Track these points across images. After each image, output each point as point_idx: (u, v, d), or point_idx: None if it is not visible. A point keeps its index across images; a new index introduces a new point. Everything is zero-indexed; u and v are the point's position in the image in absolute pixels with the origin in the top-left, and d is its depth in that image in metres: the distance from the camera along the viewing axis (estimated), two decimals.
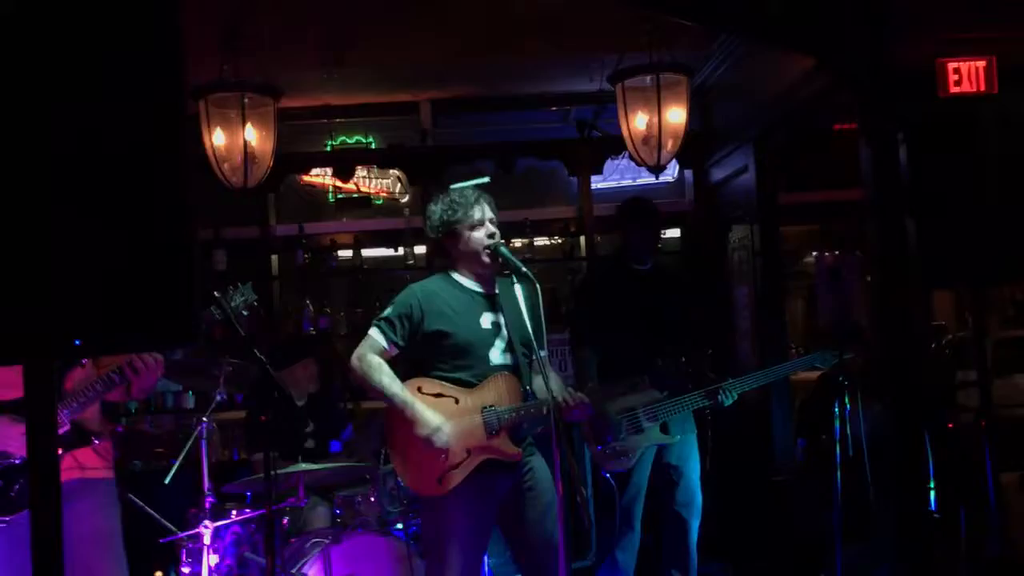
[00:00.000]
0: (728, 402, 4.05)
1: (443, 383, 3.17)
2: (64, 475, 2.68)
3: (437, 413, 3.10)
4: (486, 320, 3.24)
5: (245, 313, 3.14)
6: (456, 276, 3.32)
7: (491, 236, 3.21)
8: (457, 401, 3.16)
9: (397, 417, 3.16)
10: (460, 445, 3.11)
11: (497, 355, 3.22)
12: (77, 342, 1.44)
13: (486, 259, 3.22)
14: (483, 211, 3.23)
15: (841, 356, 4.08)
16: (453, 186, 3.40)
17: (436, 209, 3.28)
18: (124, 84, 1.50)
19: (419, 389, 3.17)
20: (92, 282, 1.46)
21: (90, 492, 2.83)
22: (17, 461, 2.67)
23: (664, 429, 4.09)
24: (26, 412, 1.48)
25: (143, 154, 1.51)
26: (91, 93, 1.47)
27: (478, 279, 3.30)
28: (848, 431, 4.13)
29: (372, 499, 4.21)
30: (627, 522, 4.16)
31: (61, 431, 2.72)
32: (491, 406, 3.15)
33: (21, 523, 2.65)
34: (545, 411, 3.07)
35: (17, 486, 2.65)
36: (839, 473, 4.02)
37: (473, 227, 3.21)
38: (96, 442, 2.85)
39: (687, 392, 4.07)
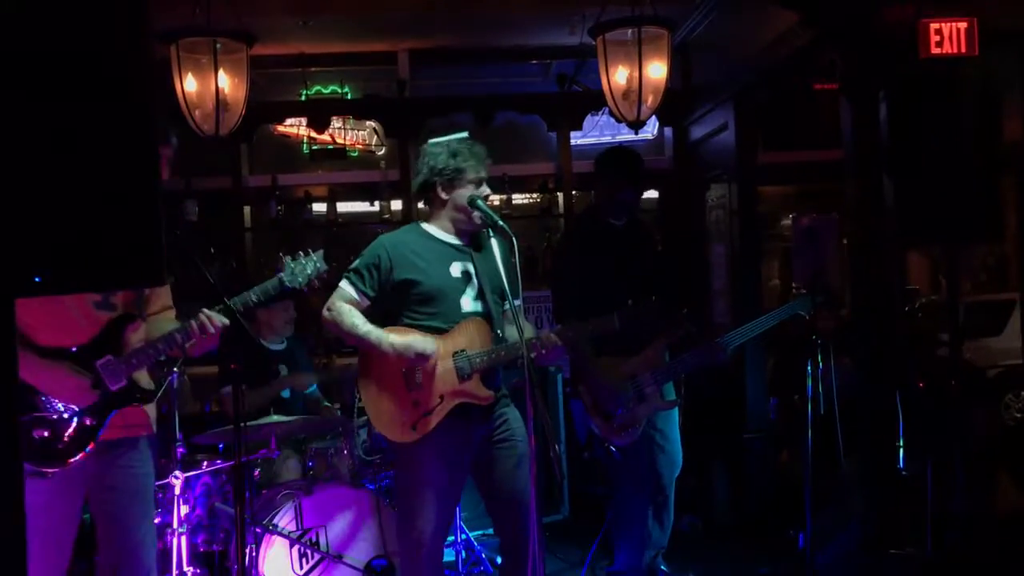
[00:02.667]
0: (725, 357, 3.98)
1: (415, 331, 3.17)
2: (111, 432, 2.70)
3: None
4: (456, 269, 3.24)
5: (314, 285, 3.02)
6: (427, 227, 3.32)
7: (484, 198, 3.20)
8: None
9: (371, 364, 3.17)
10: (433, 390, 3.12)
11: (468, 302, 3.22)
12: (37, 279, 1.38)
13: (467, 214, 3.20)
14: (486, 170, 3.24)
15: (814, 302, 4.00)
16: (432, 140, 3.31)
17: (438, 153, 3.23)
18: (86, 19, 1.44)
19: None
20: (53, 220, 1.42)
21: (131, 448, 2.81)
22: (66, 415, 2.65)
23: (661, 394, 3.97)
24: None
25: (106, 94, 1.45)
26: (51, 26, 1.41)
27: (454, 231, 3.28)
28: (820, 390, 4.15)
29: (344, 452, 4.21)
30: (642, 485, 4.01)
31: (116, 387, 2.71)
32: (462, 351, 3.15)
33: (63, 475, 2.64)
34: (517, 354, 3.07)
35: (66, 438, 2.63)
36: (810, 432, 4.05)
37: (472, 183, 3.21)
38: (148, 401, 2.83)
39: (658, 332, 3.90)
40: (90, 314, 2.72)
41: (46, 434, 2.61)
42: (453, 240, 3.28)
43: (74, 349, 2.69)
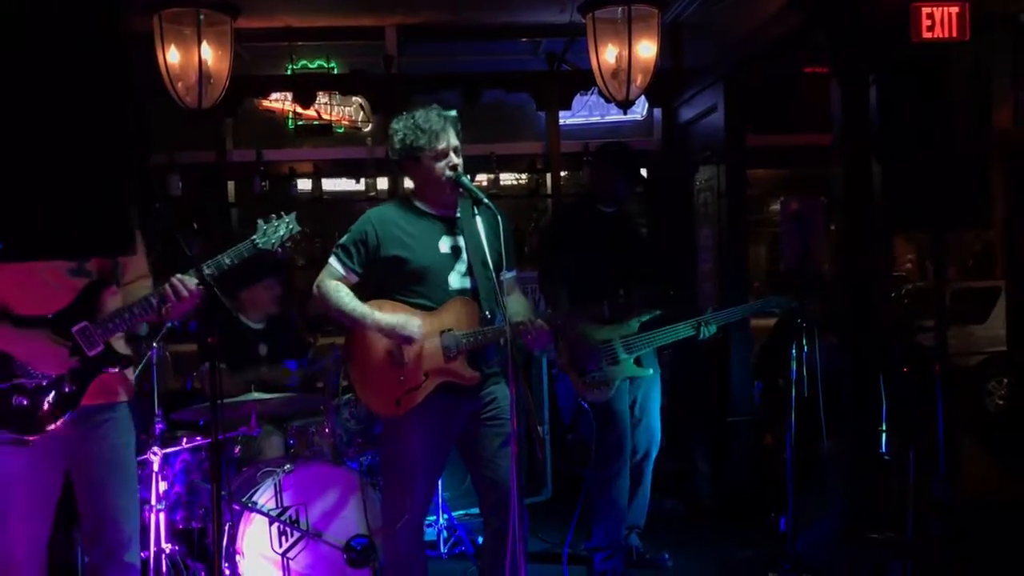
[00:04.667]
0: (707, 335, 4.08)
1: (403, 306, 3.16)
2: (90, 398, 2.68)
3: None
4: (444, 245, 3.21)
5: (285, 247, 2.98)
6: (415, 202, 3.28)
7: (453, 168, 3.13)
8: None
9: (357, 339, 3.17)
10: (419, 368, 3.12)
11: (456, 279, 3.20)
12: (0, 245, 1.36)
13: (448, 189, 3.16)
14: (448, 139, 3.13)
15: (801, 304, 4.09)
16: (419, 110, 3.24)
17: (399, 130, 3.18)
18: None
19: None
20: (19, 189, 1.40)
21: (110, 415, 2.80)
22: (44, 382, 2.64)
23: (637, 363, 4.11)
24: None
25: (77, 67, 1.43)
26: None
27: (438, 205, 3.24)
28: (804, 374, 4.15)
29: (327, 430, 4.17)
30: (620, 454, 4.13)
31: (93, 352, 2.69)
32: (450, 329, 3.14)
33: (44, 443, 2.64)
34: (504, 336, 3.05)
35: (45, 406, 2.63)
36: (793, 415, 4.05)
37: (436, 156, 3.12)
38: (126, 366, 2.82)
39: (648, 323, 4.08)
40: (64, 282, 2.70)
41: (25, 402, 2.61)
42: (438, 213, 3.24)
43: (50, 316, 2.66)
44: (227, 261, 2.84)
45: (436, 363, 3.13)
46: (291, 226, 2.98)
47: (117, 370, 2.79)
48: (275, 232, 2.94)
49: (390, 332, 3.09)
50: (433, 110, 3.19)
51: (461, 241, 3.20)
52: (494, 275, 3.03)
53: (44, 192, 1.43)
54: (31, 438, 2.61)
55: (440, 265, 3.17)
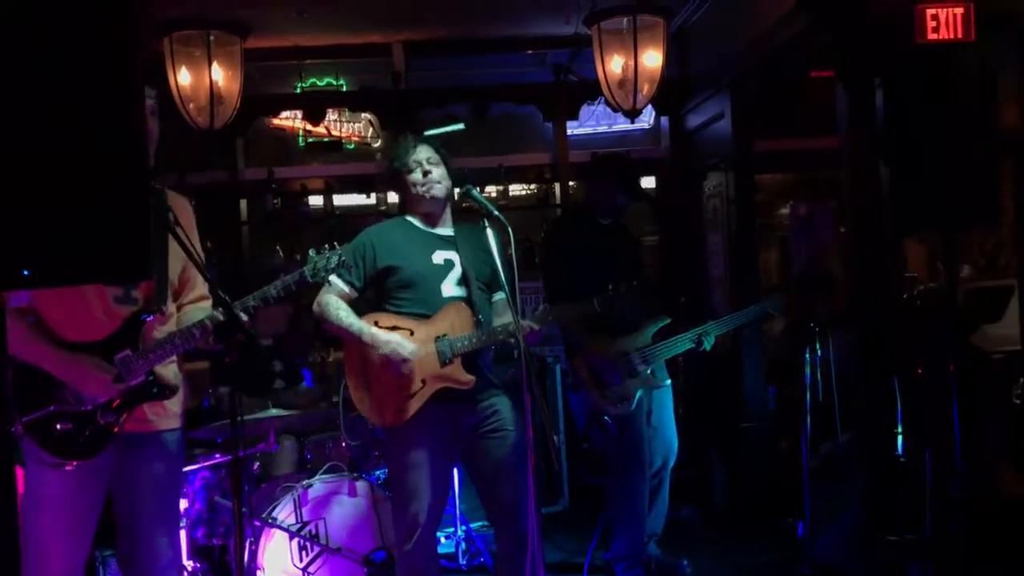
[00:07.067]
0: (708, 346, 4.14)
1: (398, 316, 3.25)
2: (134, 426, 2.70)
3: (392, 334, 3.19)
4: (438, 256, 3.32)
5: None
6: (410, 218, 3.43)
7: (425, 175, 3.31)
8: (412, 333, 3.22)
9: (355, 351, 3.25)
10: (415, 375, 3.17)
11: (450, 288, 3.29)
12: (25, 272, 1.39)
13: (427, 204, 3.33)
14: (417, 154, 3.34)
15: (810, 301, 4.11)
16: (426, 132, 3.37)
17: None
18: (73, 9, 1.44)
19: (376, 324, 3.24)
20: (40, 214, 1.42)
21: (152, 444, 2.80)
22: (88, 407, 2.63)
23: (652, 374, 4.13)
24: None
25: (95, 93, 1.46)
26: (43, 24, 1.42)
27: (428, 220, 3.38)
28: (818, 377, 4.15)
29: (343, 444, 4.21)
30: (639, 464, 4.15)
31: (134, 381, 2.68)
32: (444, 335, 3.20)
33: (86, 468, 2.64)
34: (500, 338, 3.18)
35: (88, 432, 2.63)
36: (808, 419, 4.05)
37: (411, 171, 3.34)
38: (168, 396, 2.79)
39: (643, 313, 4.10)
40: (110, 309, 2.70)
41: (69, 427, 2.61)
42: (435, 231, 3.37)
43: (96, 343, 2.67)
44: (273, 292, 2.80)
45: (432, 369, 3.19)
46: (343, 258, 2.94)
47: (164, 399, 2.77)
48: (325, 265, 2.88)
49: (384, 349, 3.15)
50: (409, 137, 3.43)
51: (455, 255, 3.31)
52: (506, 290, 3.05)
53: (63, 217, 1.45)
54: (71, 463, 2.62)
55: (432, 274, 3.27)
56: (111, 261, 1.44)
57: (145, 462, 2.78)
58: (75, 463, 2.62)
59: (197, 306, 2.92)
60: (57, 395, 2.61)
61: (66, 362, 2.62)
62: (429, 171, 3.33)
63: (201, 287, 2.96)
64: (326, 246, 2.95)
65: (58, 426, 2.60)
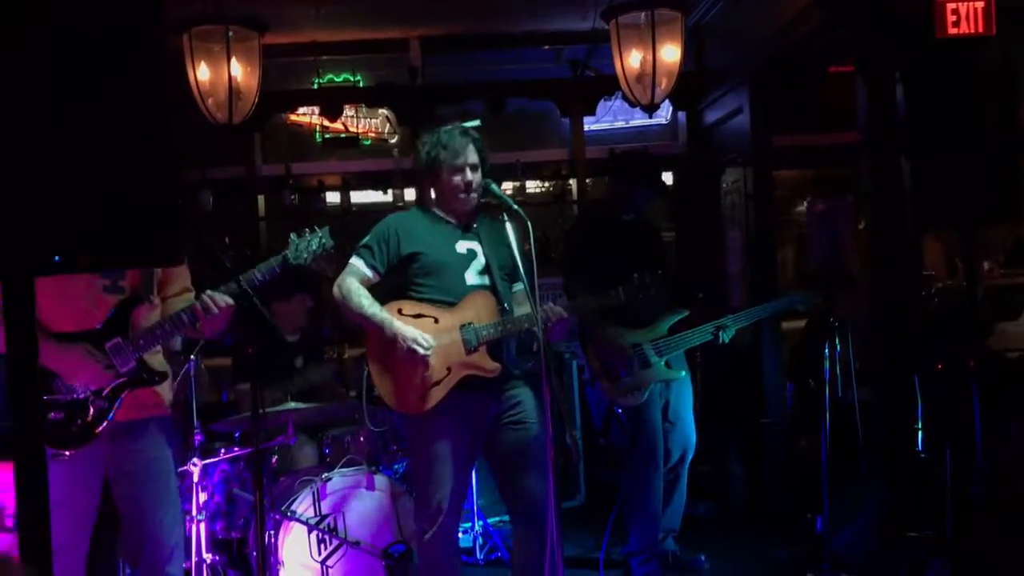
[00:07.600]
0: (726, 338, 4.09)
1: (423, 304, 3.23)
2: (125, 413, 2.71)
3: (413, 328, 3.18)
4: (461, 246, 3.31)
5: (318, 261, 3.03)
6: (434, 209, 3.41)
7: (467, 184, 3.26)
8: (436, 320, 3.21)
9: (377, 339, 3.22)
10: (440, 362, 3.17)
11: (472, 276, 3.28)
12: (56, 259, 1.39)
13: (462, 202, 3.29)
14: (466, 157, 3.28)
15: (826, 301, 4.09)
16: (445, 127, 3.36)
17: (425, 144, 3.35)
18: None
19: (400, 311, 3.22)
20: (70, 200, 1.43)
21: (146, 430, 2.83)
22: (81, 396, 2.67)
23: (668, 366, 4.10)
24: (6, 330, 1.43)
25: (122, 76, 1.46)
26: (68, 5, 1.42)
27: (455, 215, 3.36)
28: (838, 373, 4.13)
29: (361, 439, 4.22)
30: (654, 458, 4.13)
31: (125, 368, 2.72)
32: (469, 323, 3.20)
33: (81, 456, 2.67)
34: (525, 327, 3.17)
35: (80, 420, 2.66)
36: (827, 415, 4.03)
37: (454, 171, 3.27)
38: (158, 382, 2.83)
39: (662, 305, 4.05)
40: (100, 299, 2.74)
41: (60, 416, 2.64)
42: (455, 221, 3.36)
43: (85, 332, 2.70)
44: (258, 276, 2.86)
45: (457, 357, 3.19)
46: (324, 240, 3.01)
47: (153, 386, 2.81)
48: (307, 247, 2.96)
49: (403, 340, 3.12)
50: (458, 128, 3.35)
51: (477, 246, 3.31)
52: (524, 282, 3.10)
53: (93, 202, 1.45)
54: (66, 452, 2.63)
55: (455, 262, 3.27)
56: (141, 246, 1.44)
57: (139, 448, 2.80)
58: (69, 452, 2.64)
59: (182, 298, 2.94)
60: (48, 385, 2.64)
61: (58, 353, 2.65)
62: (471, 181, 3.27)
63: (185, 279, 2.98)
64: (306, 230, 2.98)
65: (50, 416, 2.62)
